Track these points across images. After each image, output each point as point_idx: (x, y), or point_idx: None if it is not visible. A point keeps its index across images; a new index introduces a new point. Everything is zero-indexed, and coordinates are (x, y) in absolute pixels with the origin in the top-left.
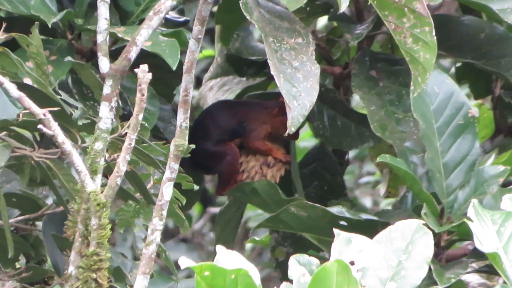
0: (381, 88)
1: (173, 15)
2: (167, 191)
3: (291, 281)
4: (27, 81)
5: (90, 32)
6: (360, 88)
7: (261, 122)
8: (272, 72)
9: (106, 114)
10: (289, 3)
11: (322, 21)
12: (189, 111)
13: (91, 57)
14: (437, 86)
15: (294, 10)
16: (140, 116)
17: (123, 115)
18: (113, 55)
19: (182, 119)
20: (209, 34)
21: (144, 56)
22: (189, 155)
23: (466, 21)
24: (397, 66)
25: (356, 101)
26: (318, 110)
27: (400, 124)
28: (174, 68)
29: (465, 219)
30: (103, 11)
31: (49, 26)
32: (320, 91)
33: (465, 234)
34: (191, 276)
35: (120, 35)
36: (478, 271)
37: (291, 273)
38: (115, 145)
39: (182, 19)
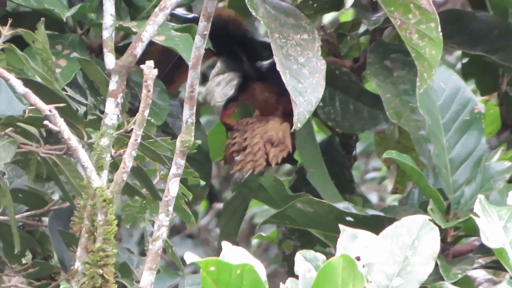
0: (395, 78)
1: (181, 11)
2: (173, 187)
3: (297, 277)
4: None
5: (100, 27)
6: (375, 76)
7: None
8: (278, 68)
9: (112, 110)
10: None
11: (328, 17)
12: (195, 107)
13: (100, 52)
14: (443, 82)
15: (302, 7)
16: (146, 112)
17: (133, 110)
18: (123, 51)
19: (188, 115)
20: None
21: (149, 53)
22: None
23: (480, 17)
24: (410, 56)
25: None
26: (330, 95)
27: (415, 113)
28: (188, 62)
29: (471, 215)
30: (109, 7)
31: (64, 19)
32: (334, 74)
33: (472, 229)
34: (197, 271)
35: (134, 30)
36: (484, 266)
37: (297, 269)
38: (121, 141)
39: (191, 15)
